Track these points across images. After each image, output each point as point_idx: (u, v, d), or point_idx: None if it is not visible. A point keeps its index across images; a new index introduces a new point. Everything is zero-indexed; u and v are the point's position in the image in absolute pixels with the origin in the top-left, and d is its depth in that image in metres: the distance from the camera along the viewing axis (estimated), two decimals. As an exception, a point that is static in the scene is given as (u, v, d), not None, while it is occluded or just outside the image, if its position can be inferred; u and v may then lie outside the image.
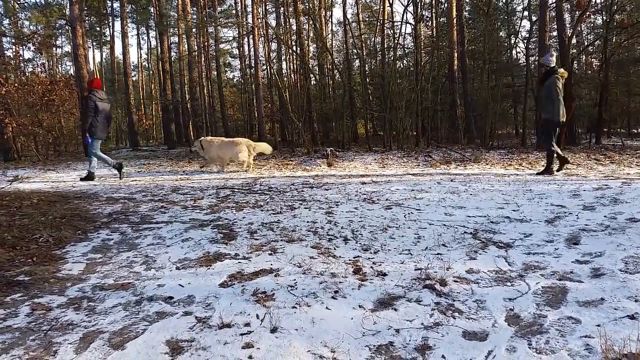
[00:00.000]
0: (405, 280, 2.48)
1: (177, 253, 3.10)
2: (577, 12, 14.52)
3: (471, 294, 2.27)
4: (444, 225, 3.66)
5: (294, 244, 3.24)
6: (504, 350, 1.73)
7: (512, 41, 16.93)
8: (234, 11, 23.97)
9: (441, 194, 5.05)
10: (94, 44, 33.13)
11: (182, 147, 17.27)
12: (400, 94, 12.00)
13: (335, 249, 3.12)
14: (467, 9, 17.71)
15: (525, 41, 14.32)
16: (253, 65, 14.34)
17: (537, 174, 6.94)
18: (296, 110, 13.21)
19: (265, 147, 9.05)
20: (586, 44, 18.51)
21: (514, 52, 17.65)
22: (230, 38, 23.12)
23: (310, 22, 16.10)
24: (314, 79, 15.73)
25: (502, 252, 2.90)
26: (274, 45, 19.71)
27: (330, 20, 20.96)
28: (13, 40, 16.76)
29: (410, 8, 13.86)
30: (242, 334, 1.91)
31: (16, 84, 13.15)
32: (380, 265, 2.74)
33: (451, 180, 6.22)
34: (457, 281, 2.43)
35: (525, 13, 16.45)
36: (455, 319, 2.01)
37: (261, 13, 16.57)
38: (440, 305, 2.15)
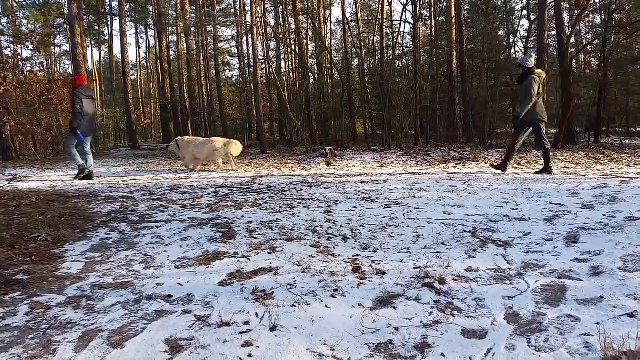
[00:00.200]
0: (405, 278, 2.48)
1: (176, 252, 3.09)
2: (575, 11, 14.56)
3: (470, 292, 2.27)
4: (443, 223, 3.66)
5: (293, 242, 3.24)
6: (504, 348, 1.74)
7: (511, 40, 16.94)
8: (232, 10, 23.98)
9: (440, 193, 5.06)
10: (93, 42, 33.08)
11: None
12: (399, 93, 12.00)
13: (334, 247, 3.12)
14: (466, 8, 17.69)
15: (524, 40, 14.37)
16: (252, 64, 14.33)
17: (536, 172, 6.98)
18: (295, 109, 13.21)
19: (237, 146, 8.99)
20: (585, 43, 18.55)
21: (512, 51, 17.64)
22: (229, 37, 23.14)
23: (309, 21, 16.10)
24: (312, 78, 15.72)
25: (501, 251, 2.91)
26: (272, 44, 19.70)
27: (329, 19, 20.97)
28: (11, 39, 16.75)
29: (409, 7, 13.85)
30: (241, 333, 1.91)
31: (14, 83, 13.13)
32: (379, 263, 2.74)
33: (450, 179, 6.23)
34: (456, 279, 2.43)
35: (524, 12, 16.49)
36: (454, 317, 2.01)
37: (260, 12, 16.56)
38: (440, 304, 2.15)
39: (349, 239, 3.30)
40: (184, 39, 19.13)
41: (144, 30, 31.95)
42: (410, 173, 7.37)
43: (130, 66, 30.33)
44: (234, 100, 25.20)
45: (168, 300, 2.28)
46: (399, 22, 14.11)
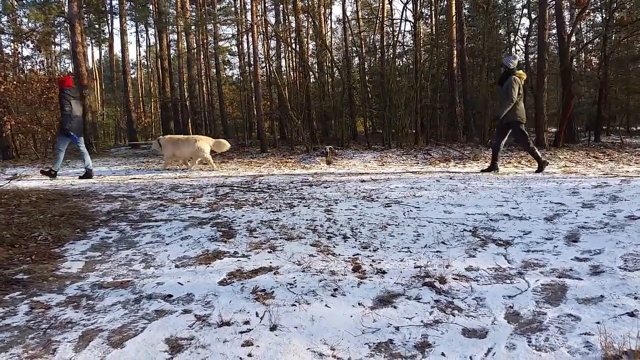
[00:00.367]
0: (405, 278, 2.47)
1: (176, 251, 3.09)
2: (576, 9, 14.54)
3: (471, 291, 2.27)
4: (443, 223, 3.66)
5: (293, 241, 3.24)
6: (504, 347, 1.73)
7: (512, 39, 16.94)
8: (233, 8, 23.95)
9: (440, 192, 5.05)
10: (93, 41, 33.06)
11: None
12: (399, 92, 12.00)
13: (334, 246, 3.11)
14: (466, 6, 17.67)
15: (525, 39, 14.34)
16: (252, 62, 14.32)
17: (536, 172, 6.98)
18: (295, 108, 13.20)
19: (223, 144, 8.98)
20: (585, 41, 18.52)
21: (513, 49, 17.63)
22: (230, 35, 23.13)
23: (310, 20, 16.07)
24: (313, 76, 15.71)
25: (501, 250, 2.90)
26: (273, 43, 19.67)
27: (329, 17, 20.93)
28: (12, 38, 16.74)
29: (410, 5, 13.84)
30: (241, 332, 1.91)
31: (15, 82, 13.13)
32: (379, 263, 2.74)
33: (450, 178, 6.22)
34: (456, 279, 2.43)
35: (525, 11, 16.48)
36: (454, 316, 2.01)
37: (260, 10, 16.53)
38: (440, 303, 2.15)
39: (349, 238, 3.30)
40: (184, 37, 19.10)
41: (144, 29, 31.90)
42: (410, 172, 7.36)
43: (131, 65, 30.32)
44: (234, 99, 25.17)
45: (168, 299, 2.28)
46: (399, 20, 14.10)
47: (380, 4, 16.47)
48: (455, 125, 13.51)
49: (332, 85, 16.89)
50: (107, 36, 29.44)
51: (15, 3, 17.92)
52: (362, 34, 18.87)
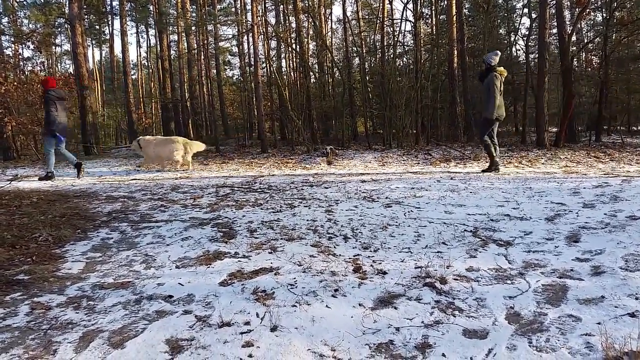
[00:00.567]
0: (406, 278, 2.47)
1: (176, 252, 3.09)
2: (577, 9, 14.53)
3: (471, 292, 2.26)
4: (444, 223, 3.65)
5: (294, 242, 3.24)
6: (505, 348, 1.73)
7: (512, 39, 16.93)
8: (233, 9, 23.97)
9: (441, 192, 5.05)
10: (93, 42, 33.10)
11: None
12: (400, 92, 11.99)
13: (335, 247, 3.11)
14: (466, 6, 17.67)
15: (525, 39, 14.32)
16: (252, 63, 14.32)
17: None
18: (296, 108, 13.20)
19: (199, 145, 8.98)
20: (586, 41, 18.50)
21: (513, 49, 17.64)
22: (230, 36, 23.13)
23: (310, 20, 16.07)
24: (313, 77, 15.72)
25: (502, 250, 2.90)
26: (273, 44, 19.67)
27: (329, 18, 20.94)
28: (12, 39, 16.76)
29: (410, 5, 13.85)
30: (242, 333, 1.91)
31: (15, 83, 13.14)
32: (380, 263, 2.74)
33: (451, 178, 6.22)
34: (457, 279, 2.42)
35: (525, 10, 16.45)
36: (455, 317, 2.01)
37: (260, 11, 16.54)
38: (441, 304, 2.15)
39: (349, 239, 3.30)
40: (185, 38, 19.11)
41: (144, 30, 31.93)
42: (411, 172, 7.36)
43: (131, 65, 30.35)
44: (234, 100, 25.18)
45: (169, 300, 2.28)
46: (399, 20, 14.10)
47: (381, 4, 16.48)
48: (455, 125, 13.50)
49: (333, 86, 16.89)
50: (108, 37, 29.48)
51: (16, 4, 17.94)
52: (362, 34, 18.87)
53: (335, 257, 2.88)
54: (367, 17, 22.03)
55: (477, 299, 2.18)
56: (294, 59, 17.52)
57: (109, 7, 25.67)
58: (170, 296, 2.32)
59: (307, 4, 15.50)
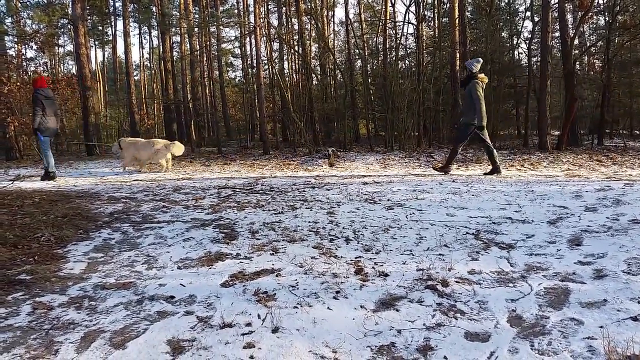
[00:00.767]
0: (407, 280, 2.47)
1: (178, 252, 3.09)
2: (579, 12, 14.52)
3: (473, 294, 2.26)
4: (446, 225, 3.65)
5: (296, 244, 3.24)
6: (506, 351, 1.73)
7: (515, 42, 16.91)
8: (235, 11, 23.99)
9: (443, 195, 5.05)
10: (96, 43, 33.20)
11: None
12: (402, 95, 11.99)
13: (336, 249, 3.11)
14: (469, 9, 17.68)
15: (528, 42, 14.32)
16: (255, 65, 14.33)
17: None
18: (298, 110, 13.22)
19: (179, 147, 9.01)
20: (588, 44, 18.50)
21: (516, 52, 17.62)
22: (232, 38, 23.16)
23: (312, 22, 16.09)
24: (315, 79, 15.72)
25: (504, 253, 2.90)
26: (275, 45, 19.74)
27: (332, 20, 20.97)
28: (15, 39, 16.81)
29: (413, 8, 13.86)
30: (243, 334, 1.91)
31: (18, 83, 13.18)
32: (382, 265, 2.73)
33: (453, 181, 6.21)
34: (459, 282, 2.42)
35: (528, 13, 16.48)
36: (457, 319, 2.00)
37: (263, 13, 16.57)
38: (442, 306, 2.14)
39: (351, 241, 3.30)
40: (188, 39, 19.16)
41: (147, 31, 32.00)
42: (413, 174, 7.35)
43: (134, 66, 30.44)
44: (237, 101, 25.23)
45: (170, 301, 2.28)
46: (402, 23, 14.13)
47: (383, 7, 16.48)
48: (457, 127, 13.49)
49: (335, 88, 16.91)
50: (111, 38, 29.58)
51: (20, 5, 17.98)
52: (364, 36, 18.87)
53: (336, 259, 2.88)
54: (369, 19, 22.04)
55: (479, 302, 2.17)
56: (297, 61, 17.55)
57: (112, 8, 25.76)
58: (172, 297, 2.32)
59: (309, 6, 15.52)
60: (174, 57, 19.52)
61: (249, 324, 1.99)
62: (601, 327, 1.85)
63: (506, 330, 1.89)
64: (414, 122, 12.52)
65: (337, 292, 2.33)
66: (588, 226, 3.39)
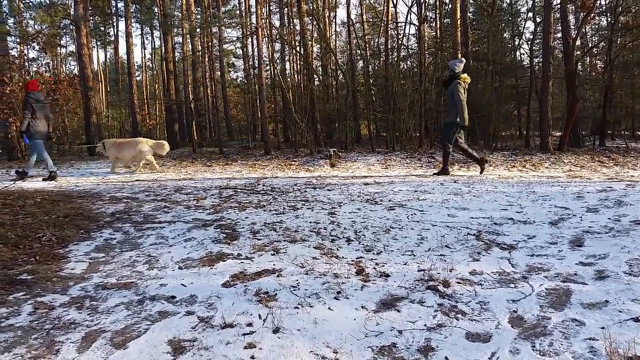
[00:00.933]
0: (408, 281, 2.47)
1: (179, 253, 3.10)
2: (581, 13, 14.50)
3: (474, 295, 2.26)
4: (447, 226, 3.64)
5: (297, 244, 3.24)
6: (507, 352, 1.72)
7: (516, 42, 16.89)
8: (237, 11, 24.03)
9: (444, 195, 5.04)
10: (98, 43, 33.23)
11: (185, 147, 17.30)
12: (403, 95, 12.00)
13: (338, 249, 3.11)
14: (471, 10, 17.65)
15: (529, 43, 14.31)
16: (257, 65, 14.35)
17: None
18: (299, 110, 13.22)
19: (163, 147, 9.01)
20: (590, 45, 18.47)
21: (517, 53, 17.60)
22: (234, 38, 23.19)
23: (314, 23, 16.10)
24: (317, 79, 15.73)
25: (505, 254, 2.89)
26: (277, 46, 19.71)
27: (334, 20, 20.98)
28: (18, 40, 16.85)
29: (414, 9, 13.83)
30: (244, 334, 1.91)
31: (20, 83, 13.21)
32: (383, 266, 2.73)
33: (454, 182, 6.21)
34: (460, 282, 2.42)
35: (530, 14, 16.44)
36: (458, 320, 2.00)
37: (265, 13, 16.59)
38: (444, 307, 2.14)
39: (352, 241, 3.30)
40: (189, 40, 19.18)
41: (149, 32, 32.05)
42: (414, 175, 7.35)
43: (136, 67, 30.48)
44: (238, 102, 25.23)
45: (171, 301, 2.28)
46: (404, 24, 14.11)
47: (385, 7, 16.49)
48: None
49: (337, 88, 16.90)
50: (113, 38, 29.61)
51: (22, 5, 18.02)
52: (366, 37, 18.87)
53: (338, 260, 2.88)
54: (371, 20, 22.03)
55: (480, 303, 2.17)
56: (298, 62, 17.54)
57: (114, 8, 25.80)
58: (173, 297, 2.32)
59: (311, 7, 15.54)
60: (176, 58, 19.51)
61: (250, 324, 1.99)
62: (603, 328, 1.85)
63: (507, 330, 1.89)
64: (415, 122, 12.51)
65: (338, 292, 2.33)
66: (590, 227, 3.38)
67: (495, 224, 3.67)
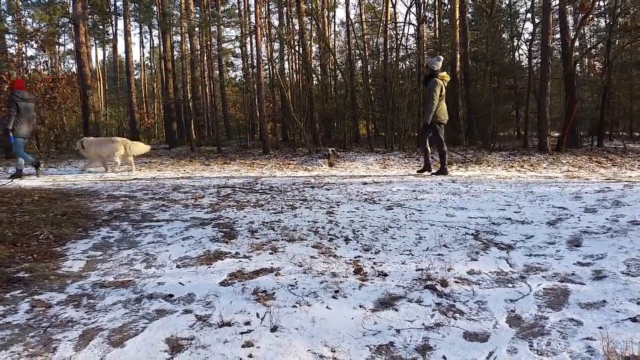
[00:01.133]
0: (406, 280, 2.47)
1: (177, 251, 3.09)
2: (580, 14, 14.52)
3: (472, 295, 2.26)
4: (445, 226, 3.65)
5: (295, 243, 3.24)
6: (505, 351, 1.73)
7: (515, 43, 16.93)
8: (236, 10, 24.01)
9: (442, 195, 5.04)
10: (97, 42, 33.20)
11: (183, 146, 17.28)
12: (402, 95, 12.01)
13: (336, 248, 3.11)
14: (470, 10, 17.68)
15: (528, 43, 14.33)
16: (255, 64, 14.34)
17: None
18: (298, 110, 13.22)
19: (142, 147, 9.01)
20: (589, 46, 18.50)
21: (516, 54, 17.63)
22: (233, 37, 23.17)
23: (313, 22, 16.10)
24: (316, 79, 15.72)
25: (503, 254, 2.89)
26: (276, 45, 19.72)
27: (333, 20, 20.99)
28: (16, 38, 16.81)
29: (413, 9, 13.86)
30: (242, 333, 1.90)
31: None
32: (381, 265, 2.73)
33: (452, 182, 6.21)
34: (458, 282, 2.42)
35: (528, 15, 16.46)
36: (456, 319, 2.00)
37: (264, 13, 16.57)
38: (441, 306, 2.14)
39: (350, 240, 3.30)
40: (188, 39, 19.14)
41: (148, 30, 32.06)
42: (412, 175, 7.35)
43: (134, 66, 30.44)
44: (237, 101, 25.23)
45: (169, 299, 2.28)
46: (402, 23, 14.12)
47: (384, 7, 16.49)
48: (457, 129, 13.50)
49: (335, 88, 16.92)
50: (111, 37, 29.57)
51: (20, 3, 17.98)
52: (365, 37, 18.88)
53: (336, 259, 2.88)
54: (370, 20, 22.05)
55: (478, 302, 2.17)
56: (297, 61, 17.55)
57: (113, 7, 25.75)
58: (171, 295, 2.32)
59: (310, 7, 15.53)
60: (175, 57, 19.49)
61: (247, 323, 1.99)
62: (600, 327, 1.85)
63: (505, 330, 1.89)
64: (414, 122, 12.53)
65: (336, 291, 2.33)
66: (587, 227, 3.39)
67: (493, 223, 3.68)
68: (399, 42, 14.08)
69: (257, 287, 2.40)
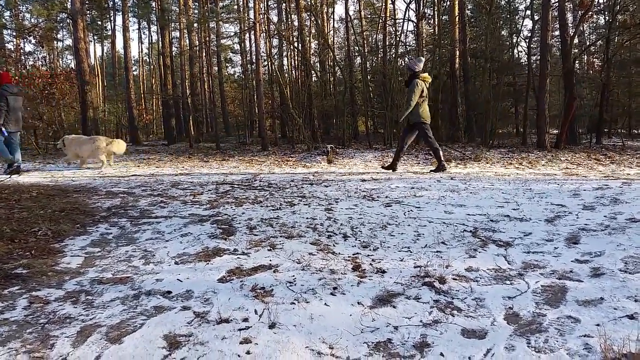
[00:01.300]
0: (405, 277, 2.47)
1: (176, 248, 3.09)
2: (579, 11, 14.52)
3: (470, 292, 2.26)
4: (444, 223, 3.65)
5: (293, 240, 3.24)
6: (503, 348, 1.73)
7: (514, 40, 16.90)
8: (235, 6, 23.95)
9: (441, 192, 5.04)
10: (95, 37, 33.11)
11: (182, 142, 17.25)
12: (401, 92, 11.99)
13: (334, 245, 3.11)
14: (469, 7, 17.65)
15: (527, 40, 14.31)
16: (254, 61, 14.32)
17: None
18: (297, 106, 13.20)
19: (119, 145, 9.03)
20: (588, 43, 18.48)
21: (515, 51, 17.61)
22: (232, 33, 23.13)
23: (312, 19, 16.06)
24: (315, 75, 15.70)
25: (501, 251, 2.90)
26: (275, 41, 19.68)
27: (332, 16, 20.93)
28: (14, 33, 16.76)
29: (413, 5, 13.85)
30: (240, 329, 1.90)
31: (17, 77, 13.13)
32: (379, 262, 2.73)
33: (451, 179, 6.21)
34: (456, 279, 2.42)
35: (528, 12, 16.46)
36: (454, 316, 2.01)
37: (263, 9, 16.51)
38: (439, 303, 2.14)
39: (349, 237, 3.30)
40: (187, 34, 19.11)
41: (146, 26, 31.96)
42: (411, 172, 7.36)
43: (133, 61, 30.32)
44: (235, 97, 25.20)
45: (167, 296, 2.28)
46: (402, 20, 14.10)
47: (383, 4, 16.44)
48: (456, 125, 13.51)
49: (334, 85, 16.88)
50: (110, 33, 29.51)
51: (18, -2, 17.92)
52: (364, 33, 18.83)
53: (334, 256, 2.88)
54: (369, 16, 21.98)
55: (476, 299, 2.17)
56: (296, 58, 17.50)
57: (111, 2, 25.65)
58: (169, 292, 2.32)
59: (309, 3, 15.49)
60: (173, 53, 19.46)
61: (245, 320, 1.99)
62: (598, 325, 1.85)
63: (503, 327, 1.89)
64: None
65: (335, 288, 2.33)
66: (586, 224, 3.39)
67: (492, 220, 3.68)
68: (398, 38, 14.07)
69: (256, 283, 2.40)
